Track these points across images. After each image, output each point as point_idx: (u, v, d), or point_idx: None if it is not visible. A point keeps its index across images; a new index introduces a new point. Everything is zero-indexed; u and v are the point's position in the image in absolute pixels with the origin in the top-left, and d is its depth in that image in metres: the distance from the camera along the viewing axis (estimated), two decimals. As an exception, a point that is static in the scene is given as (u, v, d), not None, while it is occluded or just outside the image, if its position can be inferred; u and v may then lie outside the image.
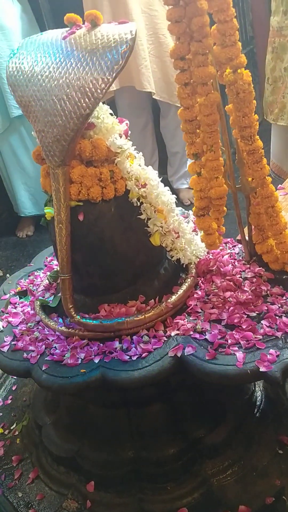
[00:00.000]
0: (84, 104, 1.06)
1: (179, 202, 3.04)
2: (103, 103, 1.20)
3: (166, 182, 3.13)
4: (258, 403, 1.47)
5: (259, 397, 1.48)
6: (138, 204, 1.22)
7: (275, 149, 2.25)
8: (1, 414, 1.69)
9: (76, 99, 1.07)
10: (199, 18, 1.05)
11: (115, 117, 1.22)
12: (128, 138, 1.23)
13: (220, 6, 1.01)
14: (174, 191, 3.09)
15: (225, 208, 1.29)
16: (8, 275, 2.75)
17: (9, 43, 2.78)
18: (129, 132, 1.25)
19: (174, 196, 1.31)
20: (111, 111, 1.22)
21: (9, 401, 1.73)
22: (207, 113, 1.13)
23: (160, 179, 1.27)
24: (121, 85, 2.71)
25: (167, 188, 1.29)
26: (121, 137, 1.19)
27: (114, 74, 1.04)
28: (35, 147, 3.26)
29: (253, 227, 1.32)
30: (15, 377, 1.80)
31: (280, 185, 1.68)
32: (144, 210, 1.23)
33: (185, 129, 1.20)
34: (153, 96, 2.73)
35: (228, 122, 1.21)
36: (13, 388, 1.77)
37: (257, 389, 1.49)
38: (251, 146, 1.14)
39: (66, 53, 1.10)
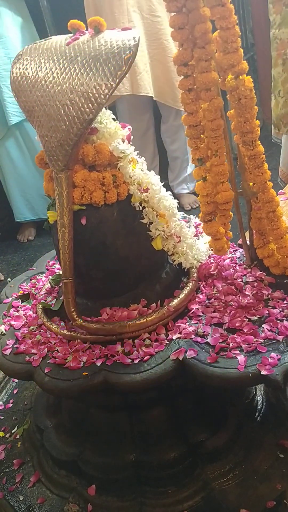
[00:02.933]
0: (87, 109, 1.07)
1: (180, 207, 3.05)
2: (106, 108, 1.22)
3: (167, 187, 3.14)
4: (259, 407, 1.48)
5: (260, 401, 1.49)
6: (140, 208, 1.23)
7: (285, 157, 2.25)
8: (2, 417, 1.69)
9: (80, 104, 1.08)
10: (202, 25, 1.07)
11: (118, 122, 1.23)
12: (131, 143, 1.25)
13: (222, 13, 1.02)
14: (175, 196, 3.10)
15: (231, 213, 1.30)
16: (9, 279, 2.75)
17: (7, 51, 2.79)
18: (132, 142, 1.27)
19: (176, 201, 1.32)
20: (113, 116, 1.23)
21: (10, 405, 1.73)
22: (211, 118, 1.14)
23: (162, 184, 1.28)
24: (121, 93, 2.72)
25: (169, 192, 1.30)
26: (123, 142, 1.20)
27: (117, 80, 1.05)
28: (31, 153, 3.28)
29: (254, 231, 1.33)
30: (16, 381, 1.80)
31: (281, 190, 1.70)
32: (146, 215, 1.24)
33: (189, 134, 1.21)
34: (157, 99, 2.74)
35: (229, 128, 1.22)
36: (14, 392, 1.78)
37: (258, 393, 1.50)
38: (252, 151, 1.15)
39: (69, 59, 1.11)
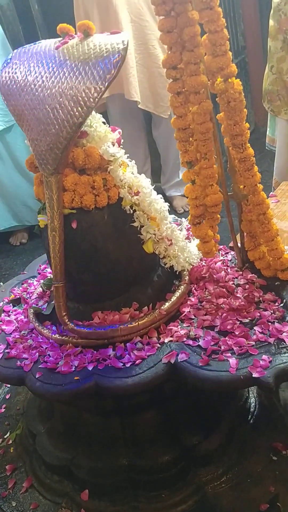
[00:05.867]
0: (77, 113, 1.07)
1: (172, 210, 3.05)
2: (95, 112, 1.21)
3: (159, 190, 3.15)
4: (252, 409, 1.48)
5: (252, 404, 1.49)
6: (131, 211, 1.23)
7: (278, 166, 2.23)
8: (-5, 423, 1.68)
9: (69, 108, 1.08)
10: (191, 28, 1.07)
11: (108, 125, 1.23)
12: (121, 146, 1.24)
13: (211, 16, 1.02)
14: (167, 199, 3.11)
15: (219, 216, 1.30)
16: (1, 283, 2.74)
17: None
18: (122, 140, 1.27)
19: (167, 204, 1.32)
20: (103, 120, 1.23)
21: (3, 410, 1.72)
22: (200, 122, 1.14)
23: (153, 187, 1.28)
24: (111, 93, 2.72)
25: (160, 196, 1.30)
26: (113, 145, 1.20)
27: (106, 83, 1.05)
28: (12, 162, 3.26)
29: (245, 234, 1.33)
30: (9, 386, 1.79)
31: (271, 193, 1.70)
32: (137, 218, 1.24)
33: (178, 137, 1.21)
34: (139, 106, 2.74)
35: (219, 130, 1.23)
36: (7, 397, 1.76)
37: (250, 395, 1.50)
38: (242, 154, 1.15)
39: (59, 62, 1.11)
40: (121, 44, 1.07)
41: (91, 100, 1.06)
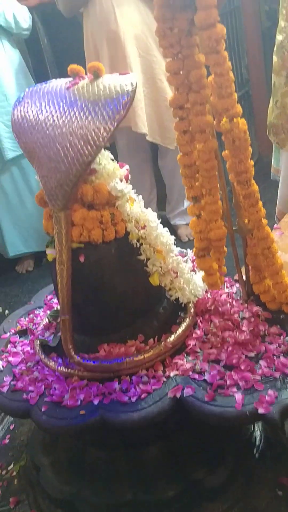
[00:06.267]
0: (86, 152, 1.10)
1: (177, 239, 3.07)
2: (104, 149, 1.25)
3: (164, 219, 3.18)
4: (257, 443, 1.47)
5: (258, 437, 1.48)
6: (138, 245, 1.25)
7: (281, 196, 2.26)
8: (-1, 454, 1.68)
9: (79, 146, 1.11)
10: (197, 70, 1.10)
11: (116, 161, 1.26)
12: (129, 181, 1.27)
13: (217, 60, 1.06)
14: (172, 228, 3.13)
15: (225, 249, 1.32)
16: (7, 311, 2.76)
17: (2, 88, 2.86)
18: (129, 175, 1.30)
19: (173, 237, 1.34)
20: (112, 157, 1.26)
21: (7, 441, 1.72)
22: (205, 159, 1.17)
23: (160, 221, 1.31)
24: (119, 126, 2.77)
25: (166, 229, 1.32)
26: (121, 181, 1.23)
27: (115, 124, 1.09)
28: (27, 188, 3.32)
29: (250, 267, 1.35)
30: (13, 416, 1.79)
31: (276, 225, 1.72)
32: (143, 251, 1.26)
33: (184, 173, 1.24)
34: (147, 138, 2.79)
35: (224, 167, 1.25)
36: (11, 427, 1.76)
37: (256, 429, 1.49)
38: (247, 191, 1.18)
39: (69, 102, 1.15)
40: (130, 85, 1.10)
41: (101, 139, 1.10)
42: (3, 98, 2.87)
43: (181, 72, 1.14)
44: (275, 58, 1.98)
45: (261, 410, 1.05)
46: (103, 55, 2.68)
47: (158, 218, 1.31)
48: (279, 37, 1.94)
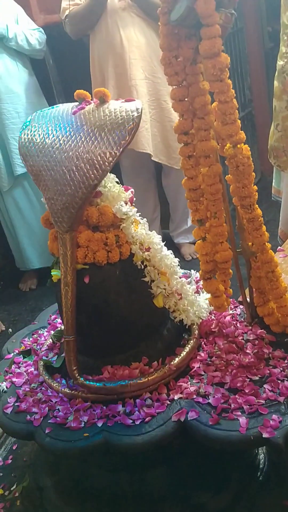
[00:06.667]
0: (92, 175, 1.12)
1: (180, 257, 3.08)
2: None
3: (167, 237, 3.20)
4: (261, 466, 1.46)
5: (262, 460, 1.46)
6: (142, 267, 1.26)
7: (284, 216, 2.28)
8: (1, 474, 1.66)
9: (85, 170, 1.13)
10: (202, 97, 1.13)
11: (120, 185, 1.28)
12: (133, 204, 1.29)
13: (221, 88, 1.08)
14: (175, 246, 3.15)
15: (231, 271, 1.33)
16: (10, 329, 2.76)
17: (15, 106, 2.91)
18: (133, 189, 1.31)
19: (177, 259, 1.35)
20: (117, 180, 1.28)
21: (10, 461, 1.70)
22: (210, 183, 1.19)
23: (164, 242, 1.32)
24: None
25: (170, 251, 1.33)
26: (126, 204, 1.25)
27: (121, 149, 1.11)
28: (39, 202, 3.33)
29: (254, 289, 1.35)
30: (16, 436, 1.78)
31: (279, 247, 1.73)
32: (148, 273, 1.27)
33: (189, 197, 1.25)
34: (152, 158, 2.82)
35: (228, 190, 1.27)
36: (14, 448, 1.75)
37: (260, 452, 1.48)
38: (250, 215, 1.19)
39: (76, 127, 1.17)
40: (136, 112, 1.12)
41: (106, 163, 1.11)
42: (15, 115, 2.91)
43: (186, 99, 1.16)
44: (276, 83, 2.02)
45: (265, 435, 1.04)
46: (109, 77, 2.73)
47: (162, 237, 1.32)
48: (280, 62, 1.98)
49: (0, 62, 2.85)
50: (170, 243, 3.07)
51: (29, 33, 2.88)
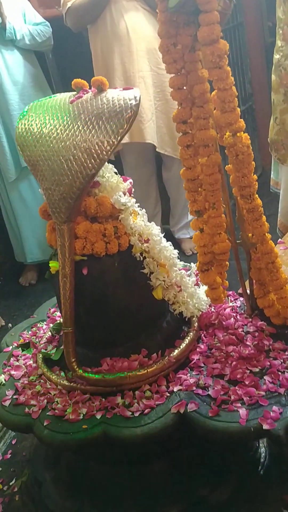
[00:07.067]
0: (90, 165, 1.11)
1: (181, 252, 3.07)
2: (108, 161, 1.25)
3: (168, 232, 3.19)
4: (262, 459, 1.45)
5: (262, 454, 1.46)
6: (141, 258, 1.25)
7: (283, 208, 2.28)
8: (0, 469, 1.65)
9: (83, 159, 1.11)
10: (200, 85, 1.11)
11: (119, 176, 1.27)
12: (132, 195, 1.27)
13: (220, 75, 1.06)
14: (176, 241, 3.13)
15: (227, 263, 1.31)
16: (10, 324, 2.75)
17: (22, 97, 2.93)
18: (135, 185, 1.30)
19: (177, 251, 1.34)
20: (115, 170, 1.27)
21: (9, 456, 1.69)
22: (209, 173, 1.17)
23: (163, 233, 1.30)
24: (131, 140, 2.80)
25: (170, 243, 1.32)
26: (125, 194, 1.23)
27: (119, 137, 1.09)
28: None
29: (254, 281, 1.34)
30: (15, 431, 1.77)
31: (280, 239, 1.72)
32: (147, 265, 1.25)
33: (187, 187, 1.24)
34: (157, 150, 2.82)
35: (228, 181, 1.26)
36: (13, 442, 1.74)
37: (260, 445, 1.47)
38: (250, 205, 1.18)
39: (73, 116, 1.16)
40: (134, 100, 1.11)
41: (104, 152, 1.10)
42: (22, 106, 2.94)
43: (184, 87, 1.15)
44: (273, 77, 2.03)
45: (265, 426, 1.03)
46: (115, 69, 2.71)
47: (162, 232, 1.31)
48: (276, 56, 1.99)
49: (6, 55, 2.88)
50: (170, 239, 3.05)
51: (36, 31, 2.89)
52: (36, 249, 3.17)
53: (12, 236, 3.26)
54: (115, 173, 1.26)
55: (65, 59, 3.32)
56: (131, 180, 1.28)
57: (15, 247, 3.28)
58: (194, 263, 1.57)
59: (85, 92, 1.21)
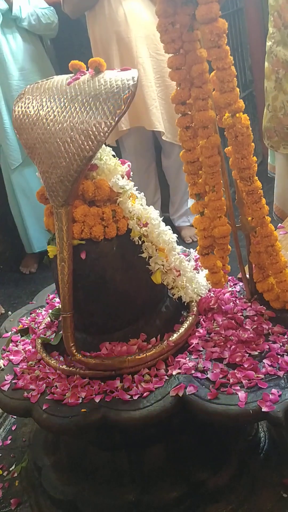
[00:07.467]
0: (87, 147, 1.09)
1: (181, 240, 3.06)
2: (106, 145, 1.24)
3: (168, 220, 3.17)
4: (261, 444, 1.45)
5: (262, 438, 1.46)
6: (140, 243, 1.24)
7: (278, 192, 2.28)
8: (0, 455, 1.66)
9: (80, 141, 1.10)
10: (199, 65, 1.10)
11: (117, 159, 1.25)
12: (130, 178, 1.26)
13: (219, 54, 1.05)
14: (175, 229, 3.12)
15: (229, 247, 1.31)
16: (10, 312, 2.74)
17: (28, 82, 2.89)
18: (134, 172, 1.29)
19: (176, 235, 1.33)
20: (113, 153, 1.25)
21: (9, 442, 1.70)
22: (208, 155, 1.16)
23: (161, 218, 1.29)
24: (131, 126, 2.77)
25: (168, 227, 1.31)
26: (123, 178, 1.22)
27: (116, 118, 1.08)
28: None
29: (253, 265, 1.33)
30: (15, 417, 1.78)
31: (280, 224, 1.71)
32: (145, 249, 1.24)
33: (187, 170, 1.23)
34: (162, 137, 2.81)
35: (227, 164, 1.24)
36: (13, 428, 1.75)
37: (260, 430, 1.47)
38: (250, 187, 1.16)
39: (70, 98, 1.14)
40: (131, 80, 1.10)
41: (102, 134, 1.09)
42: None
43: (183, 68, 1.13)
44: (266, 64, 2.03)
45: (264, 409, 1.03)
46: (113, 57, 2.69)
47: (162, 220, 1.30)
48: (268, 43, 1.99)
49: (12, 40, 2.85)
50: (170, 227, 3.05)
51: (41, 12, 2.86)
52: (43, 237, 3.15)
53: (20, 228, 3.22)
54: (113, 156, 1.25)
55: (63, 46, 3.29)
56: (129, 163, 1.26)
57: (23, 238, 3.24)
58: (194, 250, 1.57)
59: (82, 74, 1.19)
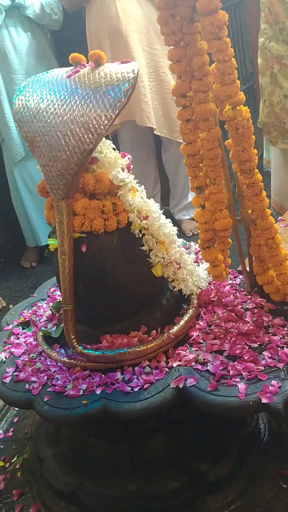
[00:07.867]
0: (87, 140, 1.10)
1: (181, 234, 3.06)
2: (107, 137, 1.24)
3: (168, 214, 3.17)
4: (261, 435, 1.46)
5: (262, 430, 1.47)
6: (140, 235, 1.24)
7: (275, 186, 2.28)
8: (2, 446, 1.67)
9: (80, 134, 1.10)
10: (199, 57, 1.09)
11: (118, 151, 1.25)
12: (131, 171, 1.26)
13: (219, 46, 1.05)
14: (176, 223, 3.12)
15: (230, 240, 1.31)
16: (11, 305, 2.75)
17: (28, 76, 2.88)
18: (132, 165, 1.29)
19: (176, 228, 1.33)
20: (113, 146, 1.26)
21: (11, 433, 1.71)
22: (209, 148, 1.16)
23: (162, 211, 1.30)
24: (122, 120, 2.77)
25: (169, 220, 1.31)
26: (123, 171, 1.22)
27: (116, 111, 1.08)
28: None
29: (253, 258, 1.34)
30: (17, 409, 1.79)
31: (280, 217, 1.71)
32: (146, 242, 1.25)
33: (188, 163, 1.22)
34: (155, 132, 2.79)
35: (228, 156, 1.24)
36: (15, 420, 1.76)
37: (260, 421, 1.48)
38: (250, 180, 1.17)
39: (70, 90, 1.14)
40: (131, 73, 1.09)
41: (102, 127, 1.09)
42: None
43: (183, 60, 1.13)
44: (259, 60, 2.05)
45: (264, 400, 1.04)
46: (106, 51, 2.68)
47: (162, 213, 1.30)
48: (261, 39, 2.00)
49: (15, 34, 2.82)
50: (170, 220, 3.05)
51: (45, 2, 2.84)
52: (47, 231, 3.14)
53: (24, 221, 3.21)
54: (113, 149, 1.25)
55: (63, 39, 3.28)
56: (129, 156, 1.26)
57: (25, 232, 3.24)
58: (194, 242, 1.57)
59: (82, 67, 1.19)
